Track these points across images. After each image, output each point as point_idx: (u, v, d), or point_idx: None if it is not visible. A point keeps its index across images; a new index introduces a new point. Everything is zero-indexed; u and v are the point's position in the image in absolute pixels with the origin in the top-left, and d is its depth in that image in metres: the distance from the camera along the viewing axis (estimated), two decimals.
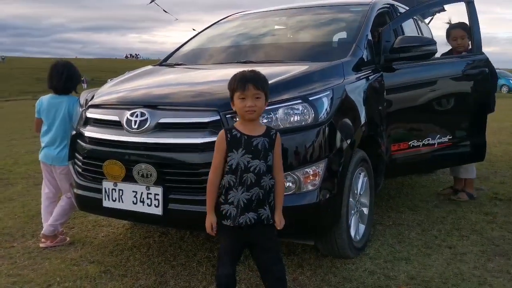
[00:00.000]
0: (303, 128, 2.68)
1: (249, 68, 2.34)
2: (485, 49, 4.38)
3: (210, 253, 3.30)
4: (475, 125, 4.25)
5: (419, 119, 4.04)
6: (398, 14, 4.42)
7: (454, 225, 3.85)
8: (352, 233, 3.15)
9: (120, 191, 2.83)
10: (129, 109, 2.88)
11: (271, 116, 2.64)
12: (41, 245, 3.51)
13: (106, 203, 2.90)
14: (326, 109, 2.79)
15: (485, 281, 2.86)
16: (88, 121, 3.14)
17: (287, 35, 4.45)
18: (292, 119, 2.69)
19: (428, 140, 4.01)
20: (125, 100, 3.08)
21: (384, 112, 3.61)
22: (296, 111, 2.70)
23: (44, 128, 3.58)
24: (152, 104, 2.86)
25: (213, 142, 2.54)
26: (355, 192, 3.19)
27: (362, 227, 3.34)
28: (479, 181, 5.18)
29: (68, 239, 3.63)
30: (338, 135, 2.84)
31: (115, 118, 2.92)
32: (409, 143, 3.91)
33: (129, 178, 2.80)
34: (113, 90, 3.34)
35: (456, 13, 4.76)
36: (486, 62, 4.24)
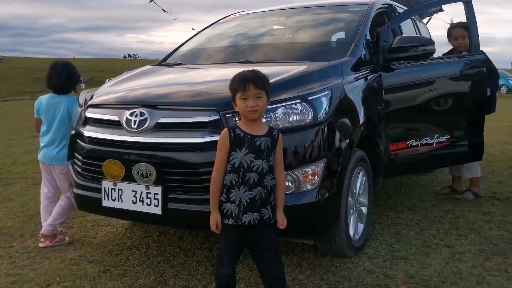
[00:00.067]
0: (302, 128, 2.69)
1: (249, 68, 2.35)
2: (483, 49, 4.40)
3: (209, 253, 3.31)
4: (473, 124, 4.27)
5: (417, 119, 4.06)
6: (397, 14, 4.44)
7: (452, 224, 3.86)
8: (351, 232, 3.16)
9: (120, 191, 2.84)
10: (128, 108, 2.88)
11: (270, 116, 2.65)
12: (40, 244, 3.51)
13: (106, 203, 2.90)
14: (325, 109, 2.80)
15: (483, 280, 2.88)
16: (87, 121, 3.14)
17: (286, 35, 4.46)
18: (291, 118, 2.70)
19: (427, 139, 4.03)
20: (125, 99, 3.08)
21: (382, 112, 3.62)
22: (295, 111, 2.71)
23: (43, 128, 3.59)
24: (151, 103, 2.87)
25: (213, 142, 2.56)
26: (354, 191, 3.20)
27: (361, 227, 3.36)
28: None
29: (67, 238, 3.63)
30: (337, 135, 2.85)
31: (115, 117, 2.93)
32: (408, 143, 3.92)
33: (128, 177, 2.80)
34: (112, 90, 3.34)
35: (455, 14, 4.78)
36: (484, 62, 4.26)
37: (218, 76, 3.41)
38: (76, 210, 3.79)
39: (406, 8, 4.82)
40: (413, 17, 5.19)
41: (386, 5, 4.41)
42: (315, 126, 2.71)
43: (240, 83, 2.24)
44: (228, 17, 4.98)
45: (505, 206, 4.37)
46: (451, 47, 4.78)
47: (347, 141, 2.94)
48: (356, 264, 3.09)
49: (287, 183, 2.60)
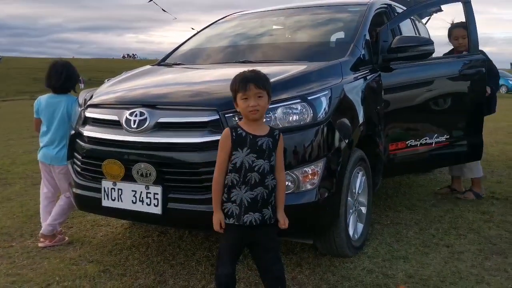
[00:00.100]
0: (301, 128, 2.69)
1: (250, 68, 2.35)
2: (482, 49, 4.41)
3: (209, 252, 3.31)
4: (472, 124, 4.28)
5: (416, 119, 4.07)
6: (396, 14, 4.44)
7: (452, 224, 3.87)
8: (351, 232, 3.17)
9: (120, 191, 2.84)
10: (128, 108, 2.88)
11: (270, 115, 2.66)
12: (40, 244, 3.51)
13: (105, 203, 2.90)
14: (325, 109, 2.81)
15: (483, 280, 2.88)
16: (87, 121, 3.14)
17: (285, 35, 4.47)
18: (290, 118, 2.70)
19: (426, 139, 4.03)
20: (124, 99, 3.09)
21: (382, 112, 3.63)
22: (294, 111, 2.71)
23: (43, 128, 3.59)
24: (151, 103, 2.87)
25: (213, 142, 2.57)
26: (354, 191, 3.20)
27: (360, 226, 3.36)
28: None
29: (66, 238, 3.63)
30: (337, 135, 2.86)
31: (114, 117, 2.93)
32: (407, 143, 3.93)
33: (128, 177, 2.80)
34: (112, 89, 3.34)
35: (455, 14, 4.79)
36: (483, 62, 4.26)
37: (217, 76, 3.42)
38: (75, 210, 3.79)
39: (405, 8, 4.83)
40: (412, 17, 5.19)
41: (385, 5, 4.41)
42: (315, 126, 2.72)
43: (240, 83, 2.25)
44: (227, 17, 4.98)
45: (504, 206, 4.38)
46: (452, 47, 4.78)
47: (347, 141, 2.95)
48: (355, 264, 3.09)
49: (286, 183, 2.61)
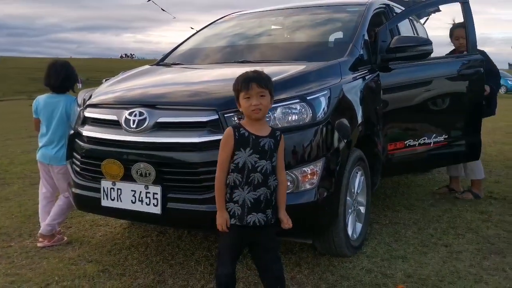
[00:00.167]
0: (301, 128, 2.70)
1: (252, 69, 2.36)
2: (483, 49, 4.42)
3: (208, 252, 3.32)
4: (470, 124, 4.29)
5: (415, 119, 4.08)
6: (394, 15, 4.45)
7: (450, 224, 3.88)
8: (350, 231, 3.17)
9: (119, 190, 2.84)
10: (127, 108, 2.88)
11: (269, 115, 2.65)
12: (39, 244, 3.51)
13: (105, 203, 2.90)
14: (324, 109, 2.81)
15: (481, 279, 2.89)
16: (86, 121, 3.14)
17: (284, 35, 4.47)
18: (290, 118, 2.70)
19: (424, 139, 4.04)
20: (124, 99, 3.09)
21: (380, 112, 3.63)
22: (294, 111, 2.71)
23: (42, 127, 3.59)
24: (150, 103, 2.87)
25: (212, 141, 2.58)
26: (352, 191, 3.21)
27: (359, 226, 3.37)
28: None
29: (65, 238, 3.63)
30: (336, 135, 2.86)
31: (114, 117, 2.93)
32: (405, 143, 3.94)
33: (127, 177, 2.80)
34: (111, 89, 3.34)
35: (455, 14, 4.80)
36: (481, 62, 4.27)
37: (217, 76, 3.42)
38: (74, 210, 3.79)
39: (403, 9, 4.84)
40: (410, 17, 5.20)
41: (384, 5, 4.42)
42: (314, 126, 2.72)
43: (243, 82, 2.25)
44: (226, 17, 4.98)
45: (502, 206, 4.39)
46: (454, 47, 4.80)
47: (346, 141, 2.95)
48: (354, 264, 3.10)
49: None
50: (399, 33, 4.32)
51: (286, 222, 2.32)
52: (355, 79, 3.33)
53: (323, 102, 2.83)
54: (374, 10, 4.08)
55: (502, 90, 27.95)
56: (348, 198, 3.08)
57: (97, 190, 2.93)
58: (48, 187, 3.68)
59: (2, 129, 11.74)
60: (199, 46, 4.48)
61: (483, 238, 3.56)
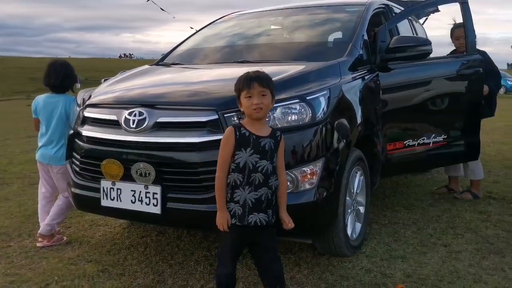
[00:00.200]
0: (300, 128, 2.70)
1: (252, 69, 2.37)
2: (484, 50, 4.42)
3: (207, 252, 3.32)
4: (469, 124, 4.30)
5: (414, 119, 4.08)
6: (393, 15, 4.45)
7: (449, 224, 3.89)
8: (349, 231, 3.17)
9: (119, 190, 2.84)
10: (127, 108, 2.88)
11: (269, 115, 2.66)
12: (38, 244, 3.50)
13: (104, 202, 2.90)
14: (323, 109, 2.81)
15: (480, 279, 2.90)
16: (85, 121, 3.14)
17: (284, 35, 4.47)
18: (289, 118, 2.71)
19: (423, 139, 4.05)
20: (123, 99, 3.09)
21: (380, 112, 3.64)
22: (293, 111, 2.72)
23: (41, 127, 3.58)
24: (150, 103, 2.87)
25: (212, 141, 2.58)
26: (352, 191, 3.21)
27: (358, 226, 3.37)
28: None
29: (65, 238, 3.63)
30: (335, 135, 2.87)
31: (113, 117, 2.93)
32: (405, 143, 3.94)
33: (127, 177, 2.80)
34: (110, 89, 3.34)
35: (450, 14, 4.80)
36: (480, 62, 4.28)
37: (216, 76, 3.43)
38: (73, 210, 3.79)
39: (403, 9, 4.84)
40: (409, 17, 5.20)
41: (383, 5, 4.43)
42: (314, 125, 2.72)
43: (245, 81, 2.27)
44: (225, 17, 4.98)
45: (501, 206, 4.40)
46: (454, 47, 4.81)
47: (345, 141, 2.96)
48: (354, 263, 3.10)
49: None
50: (398, 33, 4.33)
51: (288, 222, 2.33)
52: (354, 79, 3.34)
53: (323, 102, 2.83)
54: (373, 10, 4.08)
55: (501, 91, 27.98)
56: (347, 198, 3.09)
57: (97, 190, 2.93)
58: (47, 187, 3.68)
59: (1, 129, 11.72)
60: (198, 46, 4.48)
61: (482, 238, 3.57)
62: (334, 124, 2.86)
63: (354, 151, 3.16)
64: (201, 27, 4.88)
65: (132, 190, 2.79)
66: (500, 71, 4.90)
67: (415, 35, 5.18)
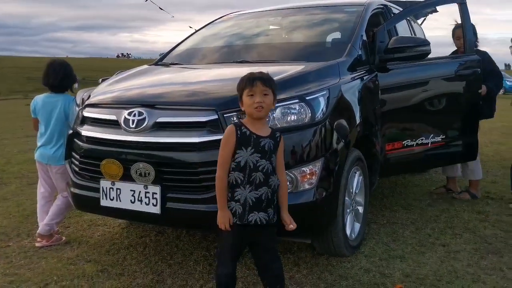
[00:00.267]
0: (300, 128, 2.71)
1: (253, 69, 2.38)
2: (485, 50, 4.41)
3: (206, 252, 3.32)
4: (467, 125, 4.31)
5: (413, 119, 4.09)
6: (392, 15, 4.47)
7: (447, 224, 3.90)
8: (348, 231, 3.18)
9: (118, 190, 2.83)
10: (126, 108, 2.88)
11: (268, 115, 2.66)
12: (37, 244, 3.50)
13: (104, 202, 2.90)
14: (323, 109, 2.82)
15: (479, 279, 2.91)
16: (85, 120, 3.14)
17: (283, 35, 4.48)
18: (289, 118, 2.71)
19: (422, 139, 4.06)
20: (123, 99, 3.09)
21: (378, 112, 3.65)
22: (293, 111, 2.72)
23: (40, 127, 3.58)
24: (150, 103, 2.87)
25: (211, 141, 2.58)
26: (351, 191, 3.22)
27: (357, 226, 3.38)
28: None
29: (64, 238, 3.63)
30: (334, 135, 2.87)
31: (113, 117, 2.92)
32: (403, 143, 3.95)
33: (127, 177, 2.80)
34: (110, 89, 3.34)
35: (449, 15, 4.81)
36: (478, 62, 4.30)
37: (216, 76, 3.43)
38: (72, 210, 3.78)
39: (401, 9, 4.85)
40: (408, 18, 5.22)
41: (382, 6, 4.43)
42: (313, 126, 2.73)
43: (248, 80, 2.28)
44: (224, 17, 4.98)
45: (499, 206, 4.42)
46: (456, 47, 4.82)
47: (344, 141, 2.96)
48: (353, 263, 3.11)
49: None
50: (397, 34, 4.34)
51: (290, 223, 2.34)
52: (353, 79, 3.35)
53: (322, 102, 2.84)
54: (372, 10, 4.09)
55: (500, 91, 27.78)
56: (346, 198, 3.09)
57: (96, 190, 2.93)
58: (46, 186, 3.67)
59: None
60: (197, 46, 4.48)
61: (480, 238, 3.58)
62: (333, 124, 2.86)
63: (353, 151, 3.16)
64: (201, 27, 4.87)
65: (131, 190, 2.79)
66: (502, 72, 4.86)
67: (413, 35, 5.19)
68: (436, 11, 6.41)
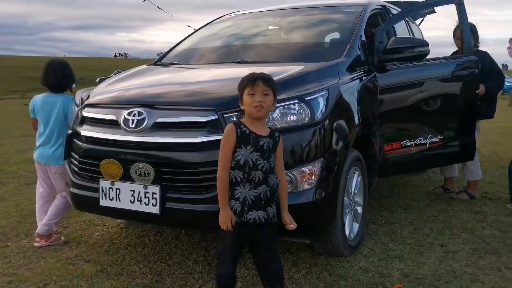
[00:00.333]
0: (299, 128, 2.71)
1: (252, 69, 2.38)
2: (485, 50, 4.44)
3: (206, 252, 3.32)
4: (465, 125, 4.32)
5: (411, 119, 4.10)
6: (391, 16, 4.48)
7: (446, 224, 3.91)
8: (347, 231, 3.19)
9: (118, 190, 2.83)
10: (126, 108, 2.88)
11: (268, 116, 2.67)
12: (36, 244, 3.50)
13: (103, 202, 2.89)
14: (322, 109, 2.83)
15: (477, 278, 2.92)
16: (84, 120, 3.13)
17: (283, 36, 4.48)
18: (288, 118, 2.72)
19: (420, 140, 4.07)
20: (122, 99, 3.08)
21: (377, 112, 3.66)
22: (292, 111, 2.73)
23: (39, 127, 3.58)
24: (149, 103, 2.87)
25: (211, 142, 2.59)
26: (350, 191, 3.22)
27: (356, 226, 3.38)
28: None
29: (62, 238, 3.62)
30: (334, 135, 2.88)
31: (112, 117, 2.92)
32: (402, 143, 3.96)
33: (126, 177, 2.80)
34: (109, 89, 3.34)
35: (447, 15, 4.82)
36: (476, 63, 4.31)
37: (215, 76, 3.43)
38: (71, 210, 3.78)
39: (400, 10, 4.87)
40: (406, 19, 5.23)
41: (381, 7, 4.45)
42: (312, 126, 2.74)
43: (249, 79, 2.30)
44: (223, 17, 4.99)
45: (497, 206, 4.44)
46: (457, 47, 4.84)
47: (343, 141, 2.97)
48: (351, 263, 3.12)
49: None
50: (395, 34, 4.35)
51: (290, 223, 2.35)
52: (352, 79, 3.35)
53: (322, 102, 2.84)
54: (371, 11, 4.10)
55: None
56: (345, 198, 3.10)
57: (96, 190, 2.93)
58: (45, 186, 3.67)
59: None
60: (196, 46, 4.48)
61: (478, 238, 3.59)
62: (332, 125, 2.87)
63: (352, 152, 3.17)
64: (200, 27, 4.87)
65: (131, 190, 2.79)
66: None
67: (412, 36, 5.21)
68: (434, 11, 6.43)
